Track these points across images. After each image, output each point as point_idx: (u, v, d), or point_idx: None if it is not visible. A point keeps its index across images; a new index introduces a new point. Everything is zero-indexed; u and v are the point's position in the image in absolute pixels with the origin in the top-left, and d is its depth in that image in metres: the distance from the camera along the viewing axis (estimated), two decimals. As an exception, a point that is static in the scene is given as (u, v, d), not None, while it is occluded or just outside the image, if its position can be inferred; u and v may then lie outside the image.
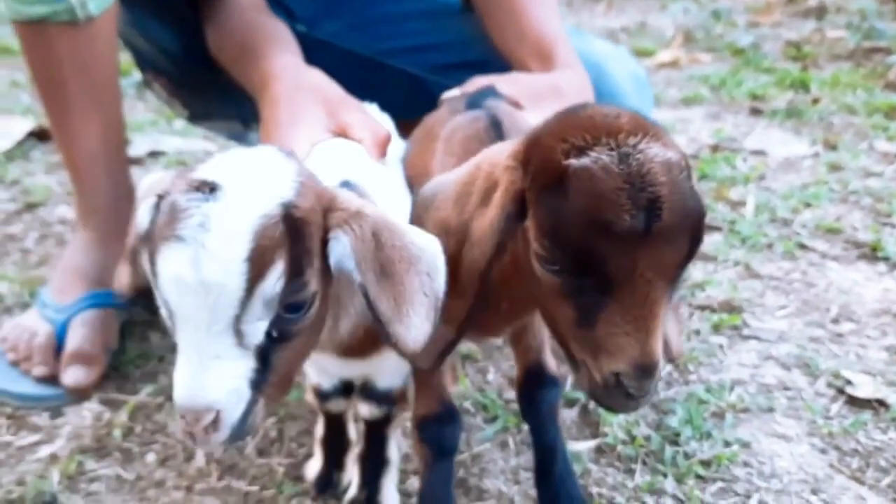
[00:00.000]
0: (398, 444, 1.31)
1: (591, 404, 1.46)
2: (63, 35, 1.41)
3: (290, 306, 0.76)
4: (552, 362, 1.16)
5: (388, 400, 1.15)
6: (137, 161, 2.62)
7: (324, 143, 1.15)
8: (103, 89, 1.52)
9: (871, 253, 1.99)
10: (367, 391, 1.15)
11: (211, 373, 0.73)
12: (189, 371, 0.73)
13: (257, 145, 0.85)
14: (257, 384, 0.76)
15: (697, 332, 1.69)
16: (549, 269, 0.78)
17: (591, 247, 0.72)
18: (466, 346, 1.64)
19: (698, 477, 1.29)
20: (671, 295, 0.78)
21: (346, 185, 0.96)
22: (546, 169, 0.76)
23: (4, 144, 2.73)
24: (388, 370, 1.11)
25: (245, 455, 1.36)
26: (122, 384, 1.54)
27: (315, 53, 1.45)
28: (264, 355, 0.76)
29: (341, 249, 0.78)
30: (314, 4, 1.73)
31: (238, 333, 0.73)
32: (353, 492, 1.21)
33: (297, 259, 0.75)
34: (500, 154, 0.86)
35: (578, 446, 1.36)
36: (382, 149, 1.17)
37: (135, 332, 1.69)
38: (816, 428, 1.40)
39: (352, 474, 1.24)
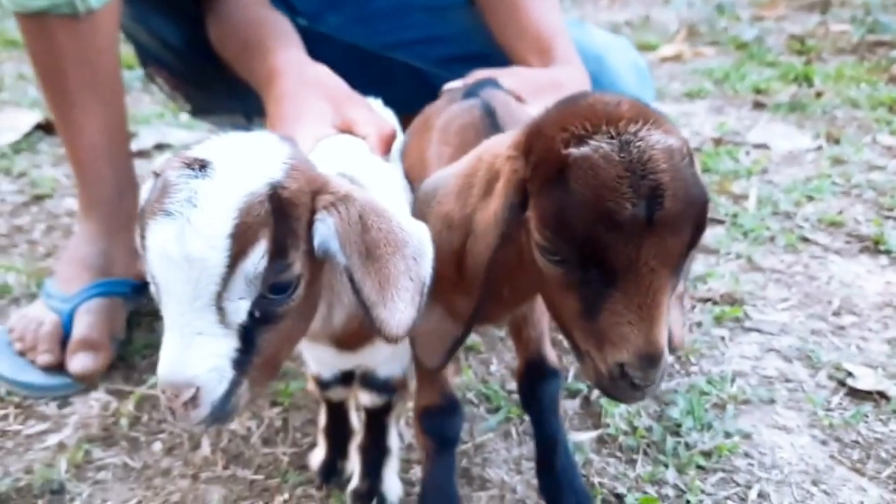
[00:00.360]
0: (400, 434, 1.32)
1: (594, 395, 1.47)
2: (64, 28, 1.41)
3: (274, 287, 0.76)
4: (553, 354, 1.17)
5: (389, 388, 1.16)
6: (143, 153, 2.64)
7: (328, 138, 1.16)
8: (105, 82, 1.53)
9: (874, 246, 1.99)
10: (368, 380, 1.16)
11: (192, 349, 0.73)
12: (171, 346, 0.74)
13: None
14: (240, 365, 0.76)
15: (699, 325, 1.69)
16: (550, 260, 0.77)
17: (593, 237, 0.72)
18: (470, 337, 1.65)
19: (699, 467, 1.30)
20: (675, 283, 0.77)
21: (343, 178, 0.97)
22: (547, 158, 0.76)
23: (11, 137, 2.75)
24: (386, 359, 1.12)
25: (250, 444, 1.37)
26: (128, 374, 1.56)
27: (316, 47, 1.45)
28: (248, 336, 0.76)
29: (325, 230, 0.79)
30: (316, -2, 1.73)
31: (220, 311, 0.73)
32: (355, 482, 1.22)
33: (282, 239, 0.75)
34: (501, 144, 0.85)
35: (580, 437, 1.38)
36: (387, 145, 1.17)
37: (142, 323, 1.71)
38: (817, 419, 1.41)
39: (355, 463, 1.25)
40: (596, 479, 1.28)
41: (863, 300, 1.77)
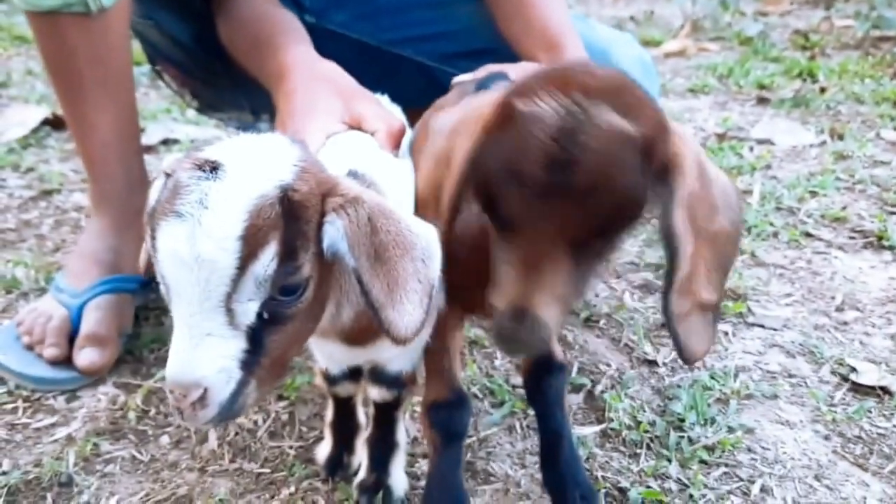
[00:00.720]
0: (406, 428, 1.33)
1: (597, 390, 1.48)
2: (76, 26, 1.42)
3: (283, 289, 0.76)
4: (558, 348, 1.18)
5: (399, 383, 1.17)
6: (151, 149, 2.65)
7: (338, 134, 1.16)
8: (117, 80, 1.53)
9: (877, 242, 2.00)
10: (378, 375, 1.17)
11: (201, 350, 0.74)
12: (180, 347, 0.75)
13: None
14: (248, 366, 0.77)
15: (703, 320, 1.70)
16: (470, 206, 0.82)
17: (503, 188, 0.75)
18: (475, 331, 1.66)
19: (702, 462, 1.31)
20: (584, 261, 0.79)
21: (354, 175, 0.97)
22: (503, 107, 0.78)
23: (20, 132, 2.76)
24: (397, 354, 1.12)
25: (257, 438, 1.39)
26: (136, 368, 1.57)
27: (323, 44, 1.45)
28: (256, 337, 0.77)
29: (334, 233, 0.79)
30: (322, -5, 1.74)
31: (229, 312, 0.74)
32: (362, 475, 1.23)
33: (292, 241, 0.75)
34: (494, 95, 0.87)
35: (584, 431, 1.38)
36: (396, 141, 1.17)
37: (150, 318, 1.72)
38: (820, 415, 1.42)
39: (361, 457, 1.26)
40: (599, 474, 1.29)
41: (866, 296, 1.77)
